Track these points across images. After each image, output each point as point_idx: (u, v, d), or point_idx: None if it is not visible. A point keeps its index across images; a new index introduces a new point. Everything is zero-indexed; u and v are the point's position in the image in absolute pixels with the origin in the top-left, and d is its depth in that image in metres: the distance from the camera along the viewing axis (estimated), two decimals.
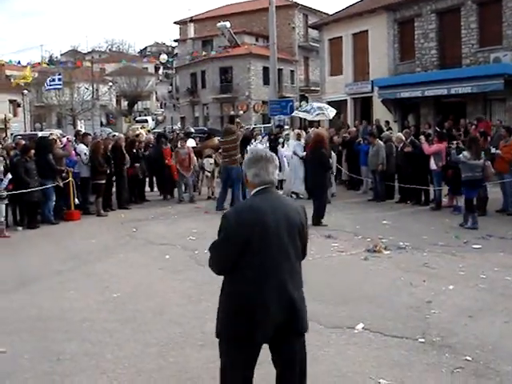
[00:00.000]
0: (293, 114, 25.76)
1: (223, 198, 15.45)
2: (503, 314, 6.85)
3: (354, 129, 21.83)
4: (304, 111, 23.53)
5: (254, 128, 31.89)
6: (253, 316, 3.85)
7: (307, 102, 24.10)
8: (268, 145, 19.51)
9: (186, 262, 9.73)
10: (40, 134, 32.73)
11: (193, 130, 24.94)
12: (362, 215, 14.47)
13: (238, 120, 17.75)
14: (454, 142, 13.81)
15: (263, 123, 45.80)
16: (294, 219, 4.04)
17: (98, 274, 9.22)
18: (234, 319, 3.93)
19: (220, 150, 16.95)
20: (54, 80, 36.18)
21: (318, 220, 13.00)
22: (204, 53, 56.49)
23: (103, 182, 15.14)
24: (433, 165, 14.86)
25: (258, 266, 3.89)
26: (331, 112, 21.91)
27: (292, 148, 17.81)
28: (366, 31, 32.07)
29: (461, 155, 12.30)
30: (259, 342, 3.95)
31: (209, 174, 18.29)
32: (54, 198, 14.16)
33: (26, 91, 54.90)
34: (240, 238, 3.88)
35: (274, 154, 4.24)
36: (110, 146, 16.11)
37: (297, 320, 3.98)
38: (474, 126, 19.71)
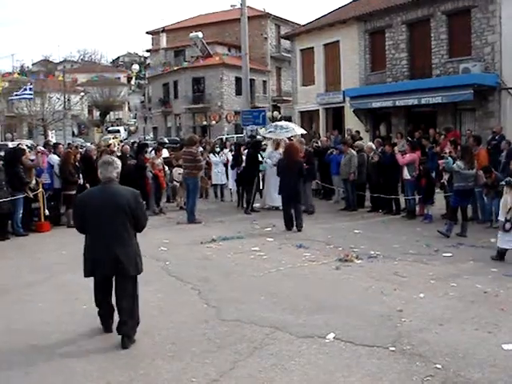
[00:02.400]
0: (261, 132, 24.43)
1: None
2: (473, 321, 6.90)
3: (325, 138, 21.82)
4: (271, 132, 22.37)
5: (226, 138, 31.99)
6: (92, 262, 6.37)
7: (272, 123, 22.65)
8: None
9: (157, 273, 9.62)
10: (10, 144, 32.45)
11: (166, 141, 24.90)
12: (334, 224, 14.53)
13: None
14: (447, 151, 13.89)
15: (236, 133, 45.94)
16: (118, 202, 6.30)
17: (68, 285, 9.10)
18: (84, 263, 6.47)
19: (180, 161, 16.75)
20: (25, 89, 35.72)
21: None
22: (176, 64, 56.41)
23: (73, 192, 14.85)
24: (406, 175, 14.96)
25: (92, 231, 6.45)
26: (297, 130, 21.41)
27: (268, 157, 17.44)
28: (338, 42, 32.19)
29: (455, 165, 12.36)
30: (99, 278, 6.48)
31: (177, 184, 18.19)
32: (21, 210, 13.92)
33: None
34: (79, 212, 6.62)
35: (115, 159, 6.63)
36: (78, 156, 15.81)
37: (122, 268, 6.28)
38: (443, 136, 19.89)
